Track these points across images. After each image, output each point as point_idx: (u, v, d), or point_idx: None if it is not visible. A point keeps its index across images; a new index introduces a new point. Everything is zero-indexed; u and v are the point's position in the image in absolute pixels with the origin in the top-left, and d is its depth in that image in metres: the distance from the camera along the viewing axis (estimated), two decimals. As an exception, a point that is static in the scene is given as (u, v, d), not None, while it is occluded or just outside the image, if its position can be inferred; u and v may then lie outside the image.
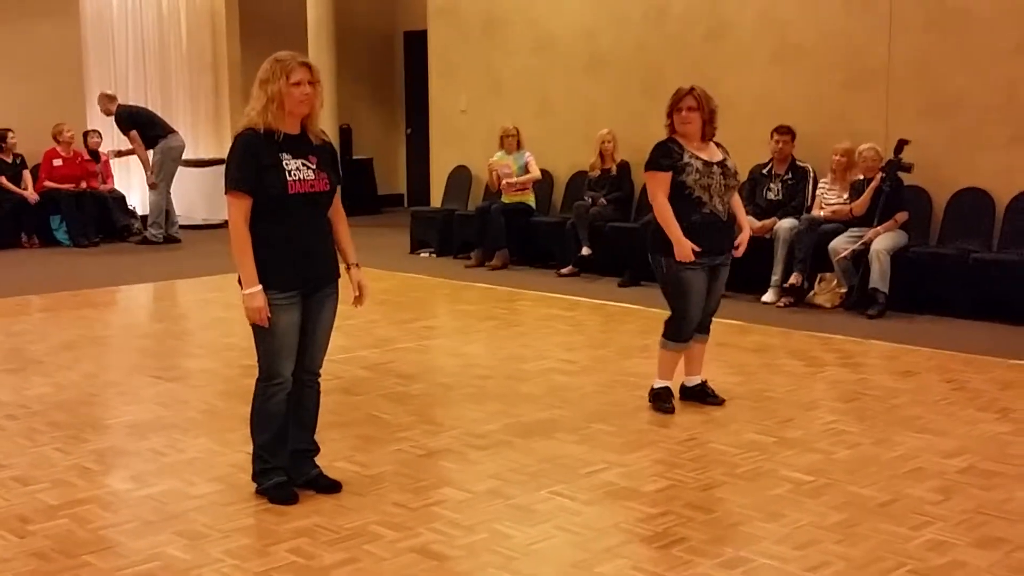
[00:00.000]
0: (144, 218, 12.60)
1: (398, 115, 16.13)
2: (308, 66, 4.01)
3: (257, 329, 4.04)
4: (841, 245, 8.06)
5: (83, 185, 12.27)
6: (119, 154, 12.78)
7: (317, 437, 4.34)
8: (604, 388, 5.92)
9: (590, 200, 9.89)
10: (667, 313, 5.45)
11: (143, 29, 14.39)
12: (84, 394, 5.89)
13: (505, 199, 10.45)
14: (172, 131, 12.34)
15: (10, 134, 11.93)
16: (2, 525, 3.97)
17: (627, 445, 4.90)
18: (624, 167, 9.91)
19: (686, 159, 5.22)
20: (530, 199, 10.54)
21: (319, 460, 4.35)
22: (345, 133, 14.55)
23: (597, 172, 10.03)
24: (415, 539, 3.82)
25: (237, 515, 4.06)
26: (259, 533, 3.91)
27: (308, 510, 4.08)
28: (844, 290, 8.14)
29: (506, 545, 3.77)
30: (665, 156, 5.25)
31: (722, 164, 5.30)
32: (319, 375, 4.27)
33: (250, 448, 4.24)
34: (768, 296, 8.41)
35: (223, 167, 4.17)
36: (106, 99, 12.15)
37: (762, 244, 8.09)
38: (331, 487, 4.27)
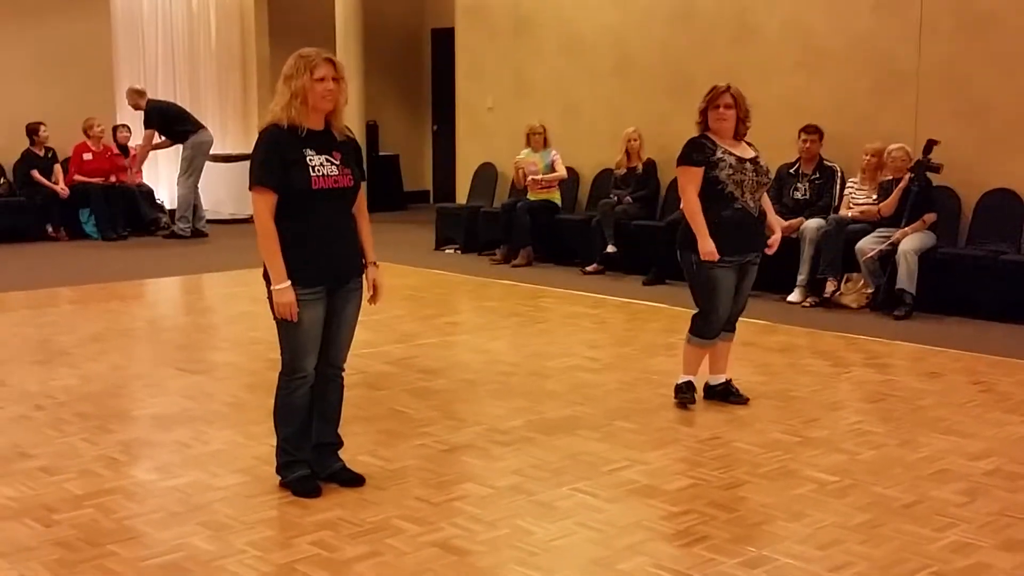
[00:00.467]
0: (172, 212, 12.70)
1: (425, 112, 16.16)
2: (332, 62, 4.02)
3: (282, 324, 4.06)
4: (868, 245, 8.01)
5: (112, 179, 12.37)
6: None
7: (340, 431, 4.36)
8: (628, 386, 5.91)
9: (616, 198, 9.88)
10: (693, 311, 5.44)
11: (173, 25, 14.48)
12: (111, 386, 5.94)
13: (531, 196, 10.46)
14: (202, 126, 12.43)
15: (42, 128, 12.04)
16: (28, 514, 4.01)
17: (650, 443, 4.90)
18: (650, 165, 9.89)
19: (719, 155, 5.22)
20: (556, 197, 10.54)
21: (342, 454, 4.36)
22: (372, 129, 14.59)
23: (623, 170, 10.01)
24: (437, 534, 3.83)
25: (261, 507, 4.08)
26: (282, 525, 3.94)
27: (331, 503, 4.09)
28: (871, 291, 8.09)
29: (527, 541, 3.78)
30: (698, 151, 5.24)
31: (755, 161, 5.30)
32: (343, 369, 4.28)
33: (274, 441, 4.27)
34: (794, 296, 8.37)
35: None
36: (135, 94, 12.23)
37: (788, 244, 8.00)
38: (354, 481, 4.29)
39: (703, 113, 5.31)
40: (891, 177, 8.16)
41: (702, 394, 5.56)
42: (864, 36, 8.81)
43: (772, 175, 5.51)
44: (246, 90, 15.04)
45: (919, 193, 7.90)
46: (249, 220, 13.24)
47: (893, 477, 4.44)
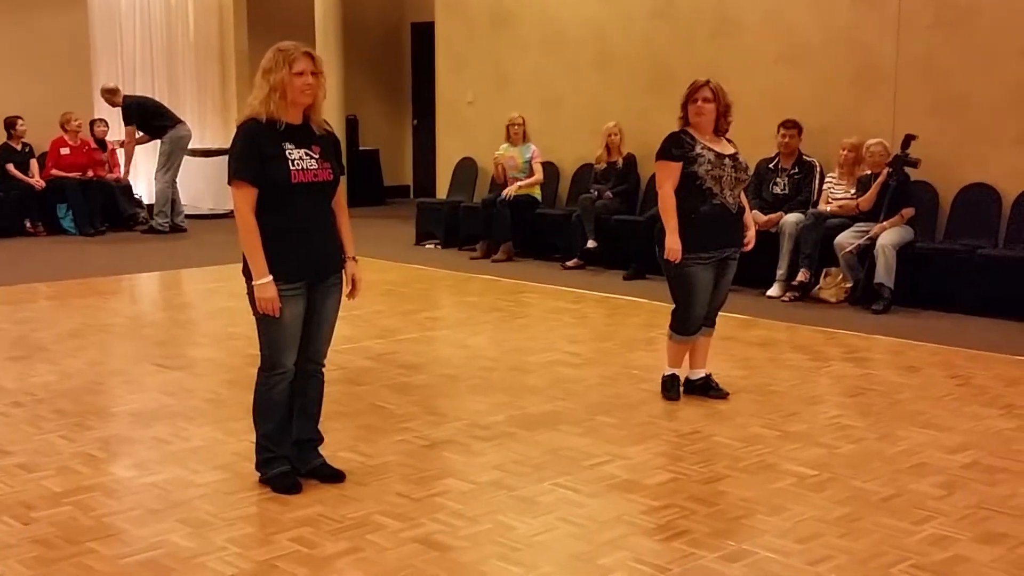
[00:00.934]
0: (150, 207, 12.64)
1: (405, 106, 16.13)
2: (311, 56, 4.00)
3: (262, 319, 4.05)
4: (847, 240, 8.05)
5: (90, 174, 12.30)
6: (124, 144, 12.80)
7: (321, 427, 4.34)
8: (608, 381, 5.92)
9: (596, 193, 9.88)
10: (673, 306, 5.45)
11: (151, 19, 14.39)
12: (89, 382, 5.90)
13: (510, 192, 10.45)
14: (180, 121, 12.37)
15: (19, 122, 11.95)
16: (6, 512, 3.98)
17: (631, 438, 4.91)
18: (630, 160, 9.90)
19: (698, 150, 5.22)
20: (536, 192, 10.53)
21: (323, 450, 4.35)
22: (352, 124, 14.56)
23: (603, 165, 10.02)
24: (418, 529, 3.82)
25: (240, 504, 4.07)
26: (262, 522, 3.92)
27: (311, 499, 4.08)
28: (849, 285, 8.13)
29: (509, 536, 3.78)
30: (677, 146, 5.25)
31: (734, 157, 5.31)
32: (323, 365, 4.27)
33: (253, 437, 4.25)
34: (773, 290, 8.41)
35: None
36: (109, 93, 12.14)
37: (768, 238, 8.08)
38: (334, 477, 4.28)
39: (684, 107, 5.32)
40: (869, 172, 8.20)
41: (682, 389, 5.57)
42: (843, 30, 8.84)
43: (751, 171, 5.52)
44: (224, 84, 14.97)
45: (897, 188, 7.94)
46: (228, 215, 13.11)
47: (872, 471, 4.46)
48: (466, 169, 11.80)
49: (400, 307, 8.05)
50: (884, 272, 7.81)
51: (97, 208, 12.16)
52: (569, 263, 9.83)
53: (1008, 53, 8.01)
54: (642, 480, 4.35)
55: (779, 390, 5.73)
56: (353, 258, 4.26)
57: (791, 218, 8.45)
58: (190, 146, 12.58)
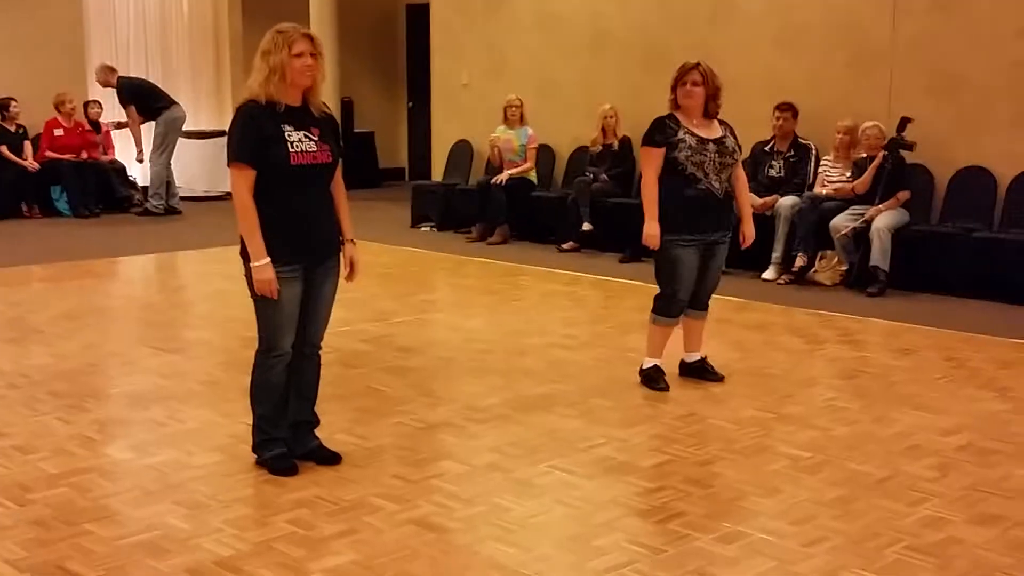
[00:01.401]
0: (145, 189, 12.60)
1: (400, 88, 16.08)
2: (310, 37, 3.99)
3: (259, 301, 4.04)
4: (842, 223, 8.05)
5: (84, 155, 12.25)
6: (119, 125, 12.76)
7: (317, 409, 4.35)
8: (604, 363, 5.93)
9: (591, 175, 9.88)
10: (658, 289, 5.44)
11: (145, 0, 14.32)
12: (85, 364, 5.90)
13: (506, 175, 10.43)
14: (174, 102, 12.31)
15: (13, 103, 11.90)
16: (3, 493, 3.98)
17: (626, 420, 4.92)
18: (626, 143, 9.89)
19: (680, 135, 5.20)
20: (532, 174, 10.53)
21: (319, 432, 4.36)
22: (347, 106, 14.50)
23: (599, 147, 10.01)
24: (414, 511, 3.84)
25: (237, 485, 4.08)
26: (259, 503, 3.93)
27: (308, 481, 4.09)
28: (845, 268, 8.14)
29: (505, 518, 3.79)
30: (660, 132, 5.24)
31: (719, 141, 5.26)
32: (320, 347, 4.27)
33: (250, 419, 4.25)
34: (768, 273, 8.41)
35: (224, 139, 4.15)
36: (106, 70, 12.12)
37: (763, 221, 8.07)
38: (331, 459, 4.29)
39: (673, 90, 5.31)
40: (865, 155, 8.20)
41: (678, 371, 5.58)
42: (839, 12, 8.82)
43: (741, 154, 5.48)
44: (219, 66, 14.91)
45: (892, 171, 7.94)
46: (223, 197, 13.05)
47: (866, 453, 4.48)
48: (461, 151, 11.78)
49: (396, 290, 8.05)
50: (879, 255, 7.82)
51: (92, 190, 12.12)
52: (565, 246, 9.83)
53: (1004, 35, 8.00)
54: (637, 462, 4.37)
55: (774, 373, 5.75)
56: (351, 240, 4.26)
57: (786, 201, 8.45)
58: (184, 128, 12.53)
